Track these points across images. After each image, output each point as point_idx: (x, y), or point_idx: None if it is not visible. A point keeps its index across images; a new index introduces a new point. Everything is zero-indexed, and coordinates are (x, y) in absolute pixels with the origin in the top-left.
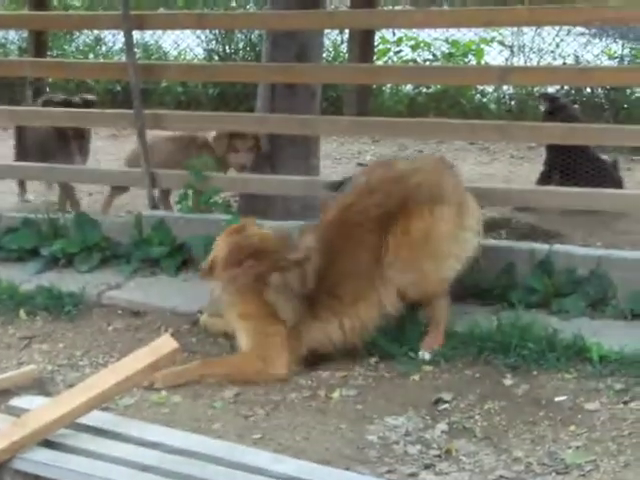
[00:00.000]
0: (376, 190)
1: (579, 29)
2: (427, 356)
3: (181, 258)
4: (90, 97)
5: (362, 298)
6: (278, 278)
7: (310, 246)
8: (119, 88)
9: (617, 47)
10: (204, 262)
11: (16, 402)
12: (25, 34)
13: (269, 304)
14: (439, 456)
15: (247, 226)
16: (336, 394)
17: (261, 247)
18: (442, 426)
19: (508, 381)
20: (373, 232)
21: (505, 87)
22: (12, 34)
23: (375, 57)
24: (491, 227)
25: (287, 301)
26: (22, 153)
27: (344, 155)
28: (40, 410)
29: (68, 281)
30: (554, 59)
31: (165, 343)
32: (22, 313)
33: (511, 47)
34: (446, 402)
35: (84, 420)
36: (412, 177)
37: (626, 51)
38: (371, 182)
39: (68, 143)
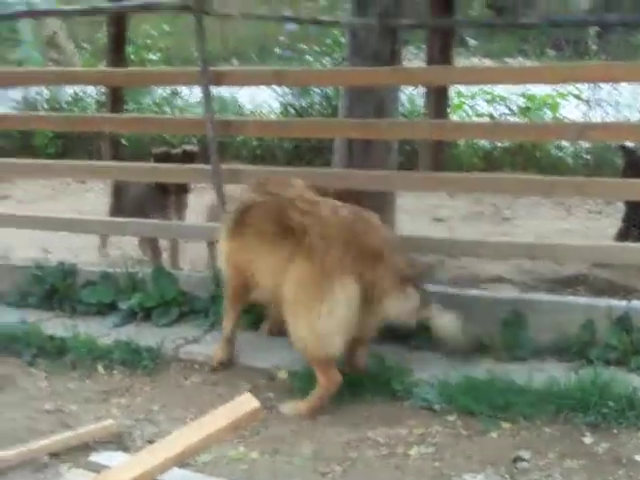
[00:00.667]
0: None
1: None
2: (289, 413)
3: (259, 313)
4: (190, 148)
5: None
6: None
7: None
8: (195, 141)
9: None
10: None
11: (96, 458)
12: (102, 87)
13: None
14: None
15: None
16: (414, 451)
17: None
18: None
19: (588, 439)
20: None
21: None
22: (90, 88)
23: (450, 111)
24: (569, 284)
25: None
26: (117, 208)
27: (419, 209)
28: (120, 467)
29: (146, 335)
30: (631, 113)
31: (246, 401)
32: (100, 367)
33: (587, 101)
34: (525, 460)
35: (164, 477)
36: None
37: None
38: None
39: (166, 198)
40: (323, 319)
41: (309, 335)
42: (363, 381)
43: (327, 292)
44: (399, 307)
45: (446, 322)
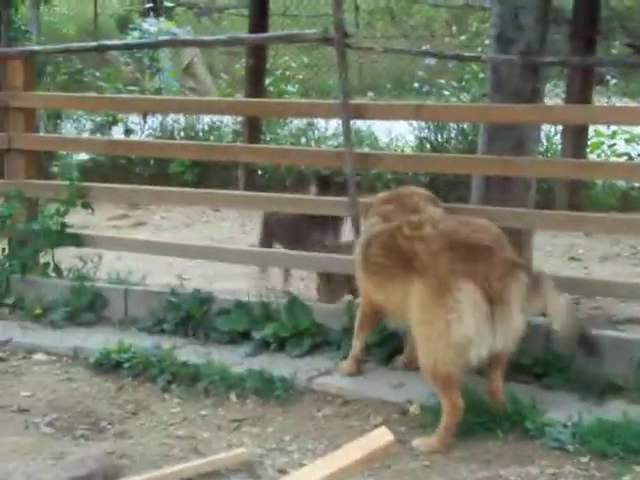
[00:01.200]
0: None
1: None
2: (422, 448)
3: (392, 346)
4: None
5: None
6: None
7: None
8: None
9: None
10: None
11: None
12: (239, 117)
13: None
14: None
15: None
16: None
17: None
18: None
19: None
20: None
21: None
22: (227, 117)
23: (588, 150)
24: None
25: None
26: (267, 239)
27: (556, 248)
28: None
29: (279, 365)
30: None
31: (380, 435)
32: (233, 396)
33: None
34: None
35: None
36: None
37: None
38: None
39: (322, 227)
40: (452, 328)
41: (439, 350)
42: (496, 418)
43: (448, 300)
44: (516, 291)
45: (560, 303)
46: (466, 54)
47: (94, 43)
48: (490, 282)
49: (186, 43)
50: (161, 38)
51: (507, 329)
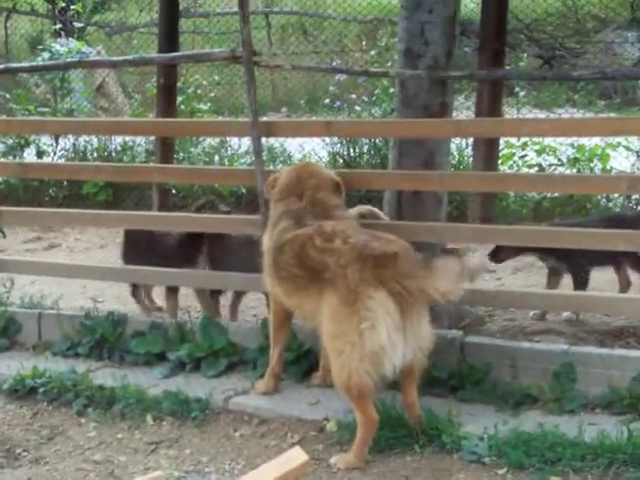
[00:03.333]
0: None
1: None
2: (339, 465)
3: (307, 364)
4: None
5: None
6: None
7: None
8: (244, 190)
9: None
10: None
11: None
12: (152, 137)
13: None
14: None
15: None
16: None
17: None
18: None
19: None
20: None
21: None
22: (139, 137)
23: (500, 162)
24: (619, 336)
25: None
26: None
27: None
28: None
29: (195, 386)
30: None
31: (295, 455)
32: (149, 418)
33: (637, 152)
34: None
35: None
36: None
37: None
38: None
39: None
40: (366, 338)
41: (352, 362)
42: (412, 433)
43: (360, 309)
44: (438, 280)
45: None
46: (374, 69)
47: (1, 66)
48: (401, 291)
49: (95, 64)
50: (70, 59)
51: (419, 338)
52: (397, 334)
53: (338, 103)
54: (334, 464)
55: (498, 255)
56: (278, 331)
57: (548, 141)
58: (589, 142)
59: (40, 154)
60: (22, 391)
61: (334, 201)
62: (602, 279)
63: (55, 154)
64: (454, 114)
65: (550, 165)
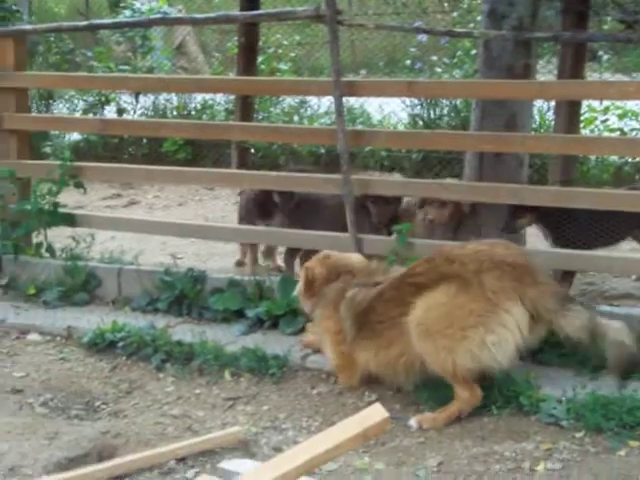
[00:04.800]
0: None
1: None
2: (414, 425)
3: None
4: None
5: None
6: (351, 294)
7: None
8: (323, 151)
9: None
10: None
11: (226, 465)
12: (232, 96)
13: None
14: None
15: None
16: (541, 467)
17: (349, 268)
18: None
19: None
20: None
21: None
22: (220, 96)
23: (581, 125)
24: None
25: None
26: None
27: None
28: (251, 475)
29: (273, 343)
30: None
31: (375, 412)
32: (227, 374)
33: None
34: None
35: None
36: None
37: None
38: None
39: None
40: (487, 349)
41: (462, 360)
42: (491, 395)
43: (493, 322)
44: (570, 324)
45: (619, 329)
46: (458, 30)
47: (85, 22)
48: (536, 306)
49: (177, 21)
50: (152, 17)
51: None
52: (517, 349)
53: (419, 65)
54: (416, 424)
55: (511, 226)
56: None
57: (630, 106)
58: None
59: (120, 112)
60: (101, 345)
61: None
62: None
63: (135, 112)
64: (536, 77)
65: (632, 130)
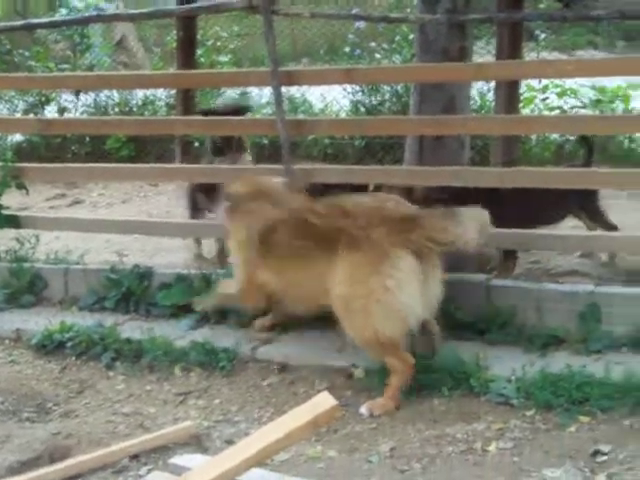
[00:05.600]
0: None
1: None
2: (365, 413)
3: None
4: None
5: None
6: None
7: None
8: (266, 142)
9: None
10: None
11: (176, 460)
12: (173, 90)
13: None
14: None
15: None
16: (492, 447)
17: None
18: (601, 478)
19: None
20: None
21: None
22: (161, 90)
23: (521, 105)
24: None
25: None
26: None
27: None
28: (200, 469)
29: (221, 337)
30: None
31: (324, 400)
32: (177, 369)
33: None
34: (604, 454)
35: (243, 478)
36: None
37: None
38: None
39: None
40: (391, 296)
41: (379, 318)
42: (441, 378)
43: (387, 268)
44: (465, 231)
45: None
46: (393, 15)
47: (21, 22)
48: (425, 246)
49: (113, 18)
50: (88, 14)
51: (436, 290)
52: (420, 292)
53: (358, 51)
54: (367, 411)
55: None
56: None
57: (569, 83)
58: (610, 84)
59: (62, 111)
60: (50, 346)
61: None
62: (629, 220)
63: (77, 110)
64: (475, 59)
65: (572, 107)
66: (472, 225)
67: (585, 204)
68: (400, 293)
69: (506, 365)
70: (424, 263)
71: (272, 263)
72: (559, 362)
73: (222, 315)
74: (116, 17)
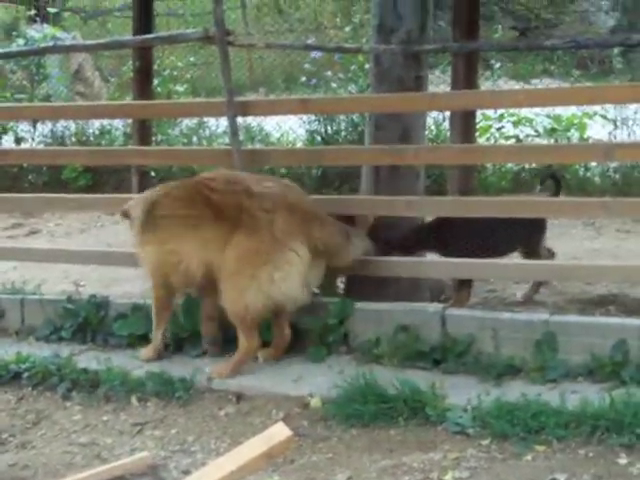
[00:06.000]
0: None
1: None
2: (212, 374)
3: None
4: None
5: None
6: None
7: None
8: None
9: None
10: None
11: None
12: (130, 120)
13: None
14: None
15: None
16: (449, 476)
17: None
18: None
19: (623, 460)
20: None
21: None
22: (117, 120)
23: (477, 134)
24: (600, 304)
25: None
26: None
27: None
28: None
29: (178, 366)
30: None
31: (279, 431)
32: (134, 399)
33: (614, 120)
34: None
35: None
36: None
37: None
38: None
39: None
40: (275, 287)
41: (254, 299)
42: (397, 407)
43: (279, 261)
44: (356, 250)
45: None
46: (347, 45)
47: None
48: (323, 245)
49: (69, 48)
50: (44, 45)
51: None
52: (302, 286)
53: (314, 81)
54: (209, 373)
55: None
56: (162, 311)
57: (525, 112)
58: (565, 112)
59: (18, 141)
60: (6, 377)
61: None
62: (583, 248)
63: (33, 140)
64: (431, 88)
65: (527, 136)
66: (359, 247)
67: (530, 238)
68: (284, 286)
69: (462, 394)
70: (313, 259)
71: (151, 237)
72: (515, 391)
73: (178, 345)
74: (72, 48)
